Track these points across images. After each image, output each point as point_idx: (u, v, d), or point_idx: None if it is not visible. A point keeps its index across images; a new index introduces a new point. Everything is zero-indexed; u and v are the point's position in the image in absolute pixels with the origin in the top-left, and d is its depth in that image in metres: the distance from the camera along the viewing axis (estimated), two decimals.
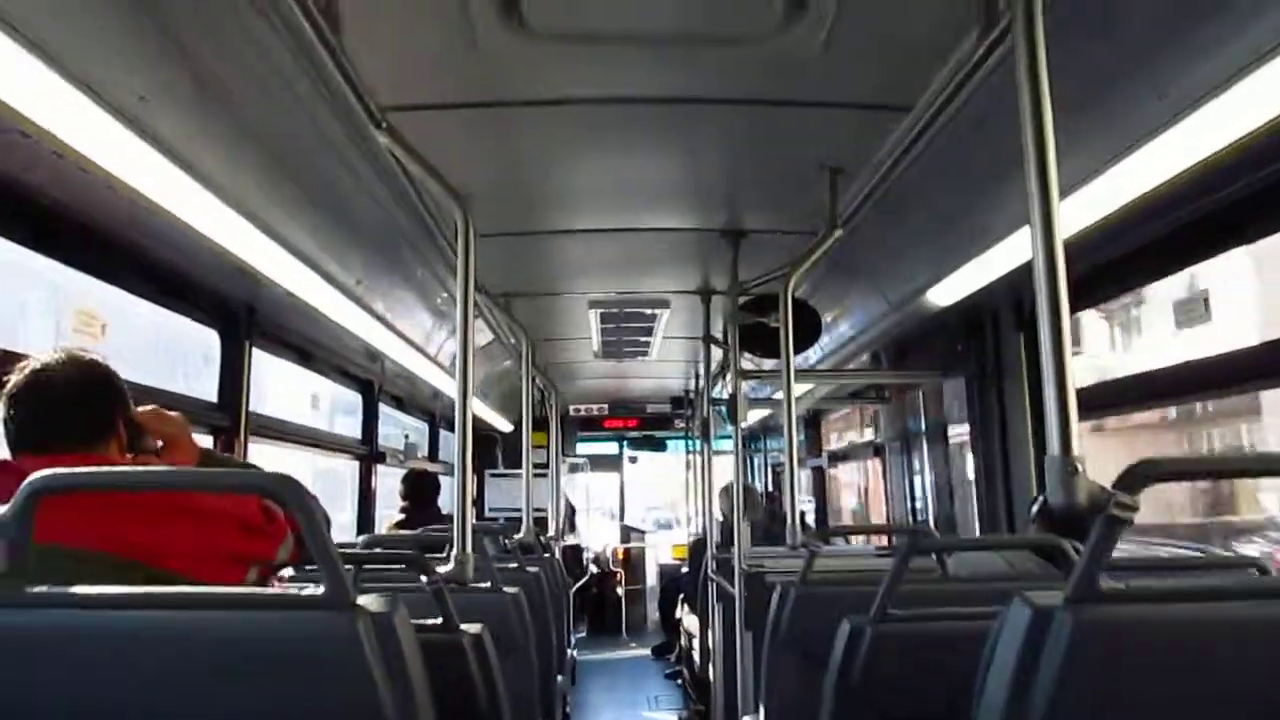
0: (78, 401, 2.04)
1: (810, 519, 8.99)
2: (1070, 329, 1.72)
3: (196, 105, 2.60)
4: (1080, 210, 2.88)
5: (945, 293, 4.19)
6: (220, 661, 1.45)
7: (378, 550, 3.23)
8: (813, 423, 9.21)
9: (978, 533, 4.83)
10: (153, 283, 3.60)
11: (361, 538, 3.91)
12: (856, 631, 2.47)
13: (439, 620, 2.42)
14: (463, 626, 2.43)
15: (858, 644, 2.45)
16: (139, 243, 3.27)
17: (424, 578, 2.45)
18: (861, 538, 7.27)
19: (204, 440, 3.98)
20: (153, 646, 1.46)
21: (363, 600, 1.50)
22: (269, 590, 1.64)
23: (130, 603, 1.49)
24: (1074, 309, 1.81)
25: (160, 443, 2.20)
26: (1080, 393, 1.70)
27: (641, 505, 17.15)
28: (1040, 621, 1.46)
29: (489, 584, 3.44)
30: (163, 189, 2.66)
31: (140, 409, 2.20)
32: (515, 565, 4.65)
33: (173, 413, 2.25)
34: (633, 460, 13.64)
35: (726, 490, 7.12)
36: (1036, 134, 1.79)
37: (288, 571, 3.32)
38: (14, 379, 2.02)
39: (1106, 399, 3.79)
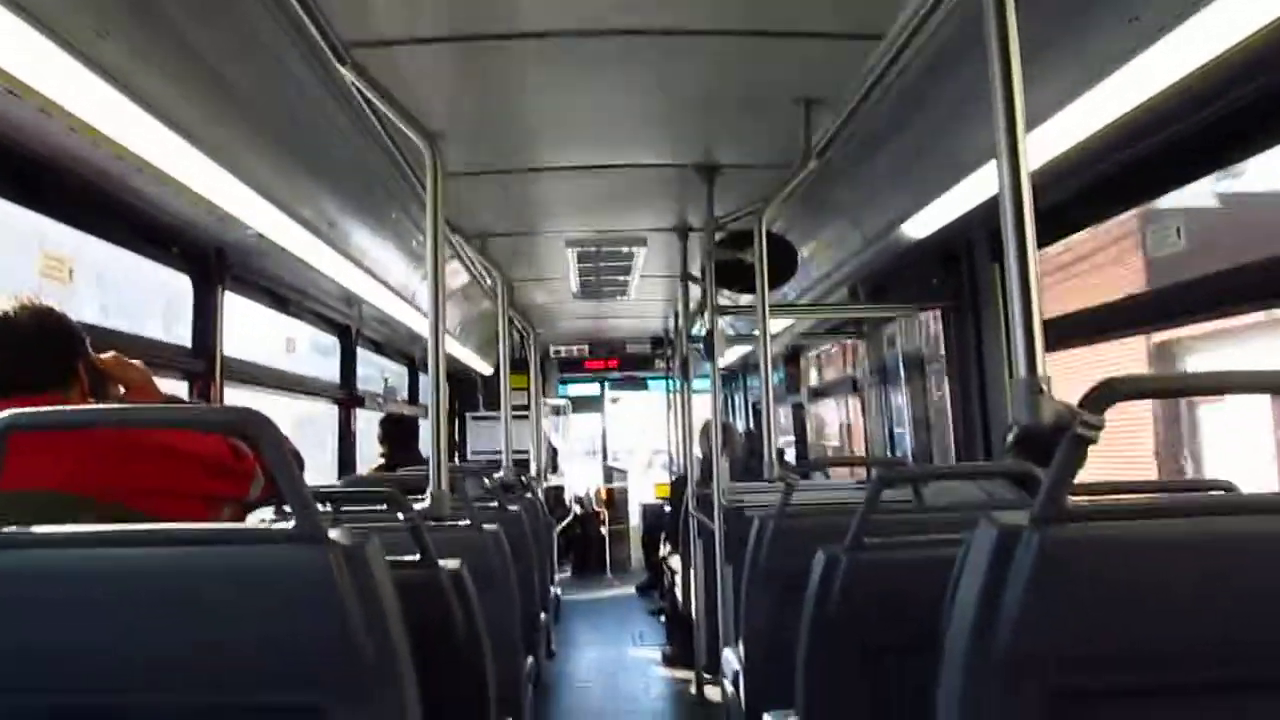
0: (39, 347, 2.03)
1: (791, 455, 9.05)
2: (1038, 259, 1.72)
3: (155, 42, 2.55)
4: (1051, 141, 2.88)
5: (921, 225, 4.18)
6: (192, 597, 1.46)
7: (355, 489, 3.23)
8: (792, 359, 9.24)
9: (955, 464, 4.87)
10: (121, 227, 3.55)
11: (341, 479, 3.92)
12: (831, 561, 2.50)
13: (417, 557, 2.43)
14: (441, 562, 2.45)
15: (833, 573, 2.48)
16: (104, 186, 3.21)
17: (401, 515, 2.46)
18: (843, 473, 7.32)
19: (179, 387, 3.98)
20: (124, 584, 1.46)
21: (334, 534, 1.50)
22: (239, 525, 1.63)
23: (101, 541, 1.49)
24: (1046, 239, 1.81)
25: (123, 389, 2.19)
26: (1048, 323, 1.71)
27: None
28: (1006, 541, 1.47)
29: (469, 522, 3.45)
30: (125, 129, 2.61)
31: (102, 355, 2.19)
32: (496, 505, 4.67)
33: (134, 360, 2.25)
34: (614, 401, 13.68)
35: (706, 428, 7.15)
36: (1003, 63, 1.77)
37: (268, 513, 3.34)
38: None
39: (1075, 329, 3.80)
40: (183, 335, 4.11)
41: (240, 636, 1.45)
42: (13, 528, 1.48)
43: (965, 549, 1.57)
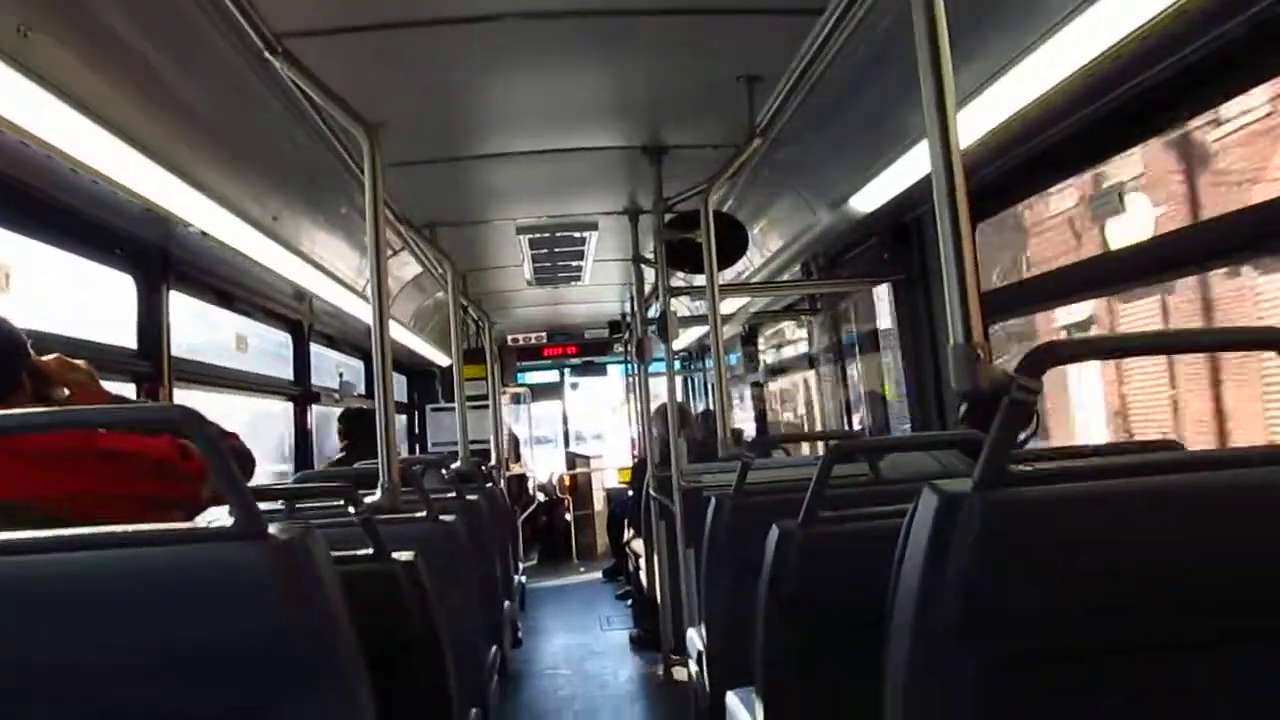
0: None
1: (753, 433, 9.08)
2: (972, 229, 1.73)
3: (81, 38, 2.50)
4: (983, 116, 2.90)
5: (867, 200, 4.20)
6: (132, 600, 1.43)
7: (307, 485, 3.20)
8: (750, 338, 9.27)
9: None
10: (60, 229, 3.48)
11: (295, 475, 3.88)
12: (785, 536, 2.51)
13: (370, 550, 2.41)
14: (394, 555, 2.43)
15: (787, 548, 2.49)
16: (40, 187, 3.15)
17: (352, 509, 2.44)
18: (805, 449, 7.35)
19: (127, 389, 3.92)
20: (63, 589, 1.43)
21: (274, 529, 1.48)
22: (177, 525, 1.61)
23: (38, 547, 1.46)
24: (983, 214, 1.82)
25: (67, 391, 2.16)
26: (986, 295, 1.72)
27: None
28: (949, 508, 1.48)
29: (425, 514, 3.43)
30: (54, 129, 2.56)
31: (44, 358, 2.15)
32: (454, 495, 4.65)
33: (78, 360, 2.21)
34: (574, 387, 13.66)
35: (661, 410, 7.14)
36: (930, 40, 1.77)
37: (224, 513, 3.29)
38: None
39: (1012, 300, 3.83)
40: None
41: (182, 637, 1.43)
42: None
43: (909, 518, 1.58)
